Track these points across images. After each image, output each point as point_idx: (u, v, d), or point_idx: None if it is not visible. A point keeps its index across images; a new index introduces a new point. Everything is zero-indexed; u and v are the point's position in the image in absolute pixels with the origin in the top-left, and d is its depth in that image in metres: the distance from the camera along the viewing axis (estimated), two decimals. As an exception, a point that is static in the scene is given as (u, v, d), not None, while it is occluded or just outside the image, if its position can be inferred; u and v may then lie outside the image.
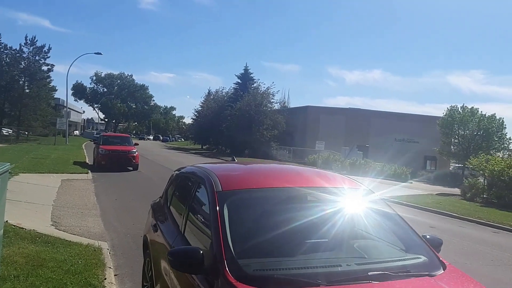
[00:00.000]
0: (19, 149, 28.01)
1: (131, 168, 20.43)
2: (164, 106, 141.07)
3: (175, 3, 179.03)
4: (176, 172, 5.10)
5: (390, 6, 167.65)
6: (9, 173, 13.10)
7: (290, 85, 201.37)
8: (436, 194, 20.30)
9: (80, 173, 17.16)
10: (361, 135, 42.79)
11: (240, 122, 45.36)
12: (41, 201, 10.56)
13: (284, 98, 55.48)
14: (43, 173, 15.82)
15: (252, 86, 51.58)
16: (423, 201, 16.14)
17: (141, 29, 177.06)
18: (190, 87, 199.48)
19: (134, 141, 23.47)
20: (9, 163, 4.59)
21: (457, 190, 23.65)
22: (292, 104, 52.41)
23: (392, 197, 15.97)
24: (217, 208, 3.05)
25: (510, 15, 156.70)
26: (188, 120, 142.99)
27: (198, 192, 3.69)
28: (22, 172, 14.96)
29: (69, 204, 10.74)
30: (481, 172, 20.04)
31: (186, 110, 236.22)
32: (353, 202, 3.44)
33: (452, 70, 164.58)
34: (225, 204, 3.10)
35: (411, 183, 28.84)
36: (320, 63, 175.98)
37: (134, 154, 20.36)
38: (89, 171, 18.21)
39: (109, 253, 6.72)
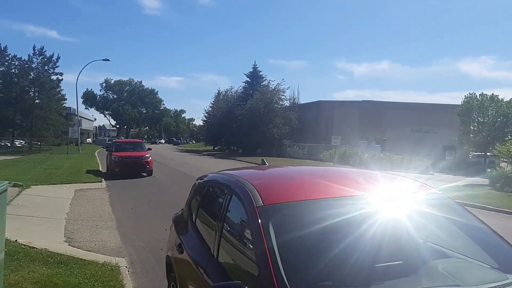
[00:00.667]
0: (32, 160, 27.71)
1: (145, 174, 19.91)
2: (174, 109, 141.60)
3: (178, 7, 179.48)
4: (199, 181, 4.44)
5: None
6: (21, 186, 12.63)
7: (298, 81, 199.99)
8: (463, 185, 19.40)
9: (93, 182, 16.67)
10: (377, 128, 41.81)
11: (250, 121, 44.73)
12: (54, 215, 10.04)
13: (293, 94, 54.66)
14: (55, 184, 15.35)
15: (262, 84, 50.85)
16: (454, 194, 15.28)
17: (146, 34, 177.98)
18: (199, 89, 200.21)
19: (147, 145, 22.94)
20: (7, 182, 3.98)
21: (483, 180, 22.81)
22: (302, 100, 51.60)
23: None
24: (261, 228, 2.41)
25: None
26: (198, 122, 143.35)
27: (231, 207, 3.04)
28: (34, 184, 14.49)
29: (83, 216, 10.20)
30: (510, 159, 19.10)
31: (196, 112, 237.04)
32: (427, 211, 2.76)
33: (462, 57, 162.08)
34: (270, 222, 2.46)
35: (433, 174, 27.98)
36: (327, 58, 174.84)
37: (148, 160, 19.83)
38: (103, 179, 17.72)
39: (128, 271, 6.12)
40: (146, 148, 21.25)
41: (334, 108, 43.85)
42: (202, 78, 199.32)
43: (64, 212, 10.56)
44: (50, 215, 10.03)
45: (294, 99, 49.92)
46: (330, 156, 33.91)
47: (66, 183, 15.71)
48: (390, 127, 42.73)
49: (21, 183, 13.92)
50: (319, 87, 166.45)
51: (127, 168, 19.30)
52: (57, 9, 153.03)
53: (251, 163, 30.96)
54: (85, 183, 16.28)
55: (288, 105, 46.98)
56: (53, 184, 15.29)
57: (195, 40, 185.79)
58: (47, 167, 22.00)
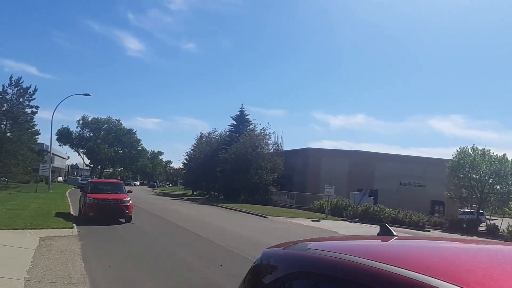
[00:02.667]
0: (-6, 198, 24.86)
1: (123, 220, 17.53)
2: (151, 150, 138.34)
3: (161, 51, 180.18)
4: (270, 261, 2.40)
5: (369, 53, 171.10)
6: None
7: (278, 129, 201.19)
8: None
9: (63, 227, 14.22)
10: (365, 179, 40.39)
11: (236, 166, 42.79)
12: (10, 273, 7.71)
13: (278, 140, 53.34)
14: (18, 229, 12.88)
15: (248, 128, 49.43)
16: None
17: (127, 76, 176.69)
18: (177, 132, 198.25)
19: (127, 188, 20.61)
20: None
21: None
22: (284, 148, 50.47)
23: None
24: None
25: (486, 62, 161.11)
26: (176, 165, 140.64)
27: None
28: (-9, 229, 12.06)
29: (48, 275, 7.91)
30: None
31: (174, 155, 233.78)
32: None
33: (433, 115, 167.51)
34: None
35: (429, 231, 26.38)
36: (305, 108, 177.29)
37: (128, 204, 17.51)
38: (74, 224, 15.26)
39: None
40: (126, 191, 18.93)
41: (322, 156, 42.54)
42: (181, 121, 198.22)
43: (24, 269, 8.22)
44: (5, 273, 7.68)
45: (278, 145, 48.57)
46: (320, 206, 32.04)
47: (31, 228, 13.26)
48: (378, 178, 41.51)
49: (-26, 228, 11.52)
50: (297, 136, 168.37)
51: (103, 212, 16.92)
52: (39, 46, 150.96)
53: (249, 213, 28.81)
54: (53, 228, 13.83)
55: (273, 151, 45.36)
56: (15, 229, 12.82)
57: (175, 84, 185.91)
58: (11, 207, 19.34)
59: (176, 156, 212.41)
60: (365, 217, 27.05)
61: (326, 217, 27.31)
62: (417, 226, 26.38)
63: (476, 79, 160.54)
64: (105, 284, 7.79)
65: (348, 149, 45.98)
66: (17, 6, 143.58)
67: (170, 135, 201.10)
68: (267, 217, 25.92)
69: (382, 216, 26.79)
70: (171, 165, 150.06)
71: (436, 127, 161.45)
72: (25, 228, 13.07)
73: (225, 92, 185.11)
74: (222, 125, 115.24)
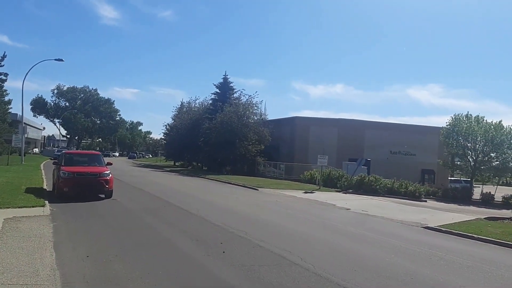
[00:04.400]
0: (-42, 172, 22.59)
1: (103, 196, 15.69)
2: (131, 121, 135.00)
3: (136, 18, 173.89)
4: None
5: (348, 22, 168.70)
6: None
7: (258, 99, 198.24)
8: (485, 218, 16.50)
9: (33, 206, 12.28)
10: (355, 148, 39.26)
11: (221, 136, 40.84)
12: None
13: (261, 110, 51.20)
14: (-23, 209, 10.96)
15: (233, 96, 47.23)
16: (490, 231, 12.13)
17: (102, 43, 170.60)
18: (155, 102, 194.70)
19: (106, 159, 18.53)
20: None
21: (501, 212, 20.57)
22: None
23: (445, 227, 12.97)
24: None
25: (464, 32, 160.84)
26: (156, 136, 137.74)
27: None
28: None
29: (8, 273, 6.14)
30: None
31: (152, 126, 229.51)
32: None
33: (411, 85, 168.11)
34: None
35: (426, 201, 25.38)
36: (284, 78, 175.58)
37: (107, 178, 15.59)
38: (47, 202, 13.36)
39: None
40: (105, 163, 16.96)
41: (311, 125, 41.05)
42: (159, 91, 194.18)
43: (-24, 265, 6.44)
44: None
45: (263, 114, 46.49)
46: (311, 177, 30.70)
47: (-6, 208, 11.35)
48: (368, 147, 40.37)
49: None
50: (276, 106, 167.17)
51: (79, 187, 15.02)
52: (9, 13, 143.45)
53: (238, 185, 27.22)
54: (21, 207, 11.91)
55: (258, 120, 43.36)
56: (-26, 209, 10.90)
57: (152, 52, 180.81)
58: (-25, 182, 17.27)
59: (155, 127, 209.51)
60: (359, 188, 25.81)
61: (319, 188, 25.96)
62: (414, 196, 25.34)
63: (454, 48, 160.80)
64: (81, 284, 6.04)
65: (337, 117, 44.46)
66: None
67: (148, 106, 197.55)
68: (257, 189, 24.45)
69: (378, 187, 25.60)
70: (151, 136, 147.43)
71: (414, 96, 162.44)
72: (-13, 208, 11.14)
73: (203, 61, 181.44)
74: (201, 95, 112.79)
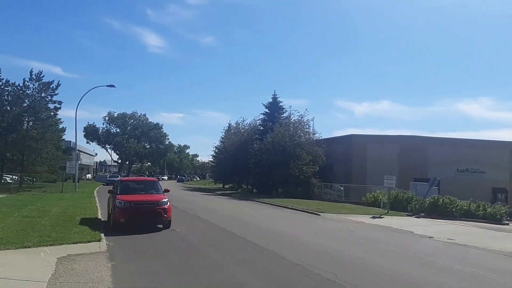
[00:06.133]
0: (14, 201, 22.22)
1: (161, 226, 14.47)
2: (178, 144, 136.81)
3: (180, 45, 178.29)
4: None
5: (394, 38, 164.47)
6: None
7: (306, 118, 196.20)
8: None
9: (88, 241, 11.18)
10: (418, 167, 36.57)
11: (272, 157, 39.32)
12: None
13: (313, 129, 49.27)
14: (29, 247, 9.89)
15: (282, 115, 45.82)
16: None
17: (148, 72, 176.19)
18: (200, 126, 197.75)
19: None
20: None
21: None
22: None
23: None
24: None
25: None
26: (203, 158, 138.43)
27: None
28: (-4, 249, 9.12)
29: None
30: None
31: (199, 149, 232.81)
32: None
33: (461, 98, 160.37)
34: None
35: (508, 224, 22.55)
36: (327, 97, 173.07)
37: (166, 206, 14.36)
38: (102, 235, 12.27)
39: None
40: (163, 190, 15.79)
41: (368, 142, 38.73)
42: (203, 114, 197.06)
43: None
44: None
45: (315, 133, 44.56)
46: (375, 199, 28.45)
47: (47, 244, 10.28)
48: (433, 165, 37.50)
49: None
50: (320, 125, 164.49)
51: (136, 217, 13.87)
52: (61, 46, 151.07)
53: (297, 210, 25.49)
54: (76, 243, 10.81)
55: (314, 139, 41.46)
56: (27, 247, 9.84)
57: (195, 77, 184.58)
58: (29, 213, 16.56)
59: (201, 149, 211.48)
60: (432, 211, 23.35)
61: (387, 212, 23.70)
62: (494, 219, 22.55)
63: (504, 59, 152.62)
64: None
65: (396, 134, 41.91)
66: (39, 8, 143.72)
67: (193, 129, 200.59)
68: (319, 214, 22.57)
69: (453, 210, 23.06)
70: (198, 159, 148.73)
71: (464, 110, 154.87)
72: (40, 245, 10.06)
73: (245, 83, 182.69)
74: (245, 116, 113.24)
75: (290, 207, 26.60)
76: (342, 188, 34.95)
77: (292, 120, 42.64)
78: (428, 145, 38.87)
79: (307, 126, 41.75)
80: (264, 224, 17.33)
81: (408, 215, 23.36)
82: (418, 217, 22.60)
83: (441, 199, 23.61)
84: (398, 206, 25.55)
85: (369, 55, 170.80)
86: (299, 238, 13.70)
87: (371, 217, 21.59)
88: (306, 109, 41.48)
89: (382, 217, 21.82)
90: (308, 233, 15.08)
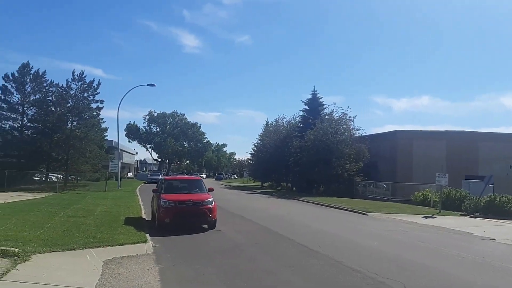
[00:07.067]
0: (59, 200, 22.48)
1: (206, 226, 14.01)
2: (216, 143, 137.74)
3: (216, 45, 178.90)
4: None
5: (435, 32, 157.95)
6: (14, 257, 6.89)
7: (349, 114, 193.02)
8: None
9: (134, 243, 10.82)
10: (467, 164, 34.67)
11: (313, 155, 38.36)
12: None
13: (356, 125, 47.75)
14: (75, 249, 9.59)
15: (323, 112, 44.71)
16: None
17: (185, 72, 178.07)
18: (236, 125, 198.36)
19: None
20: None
21: None
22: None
23: None
24: None
25: None
26: (240, 156, 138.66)
27: None
28: (39, 251, 8.84)
29: None
30: None
31: (235, 147, 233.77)
32: None
33: (505, 92, 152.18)
34: None
35: None
36: (364, 93, 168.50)
37: (211, 206, 13.88)
38: (148, 235, 11.91)
39: None
40: (207, 189, 15.33)
41: (414, 139, 37.12)
42: (239, 113, 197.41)
43: None
44: None
45: (358, 129, 43.12)
46: (424, 198, 27.09)
47: (92, 246, 9.97)
48: (483, 162, 35.46)
49: (16, 250, 8.32)
50: (358, 122, 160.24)
51: (181, 218, 13.48)
52: (102, 48, 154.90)
53: (342, 209, 24.55)
54: (121, 245, 10.47)
55: (357, 135, 40.15)
56: (72, 249, 9.53)
57: (231, 76, 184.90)
58: (74, 213, 16.52)
59: (236, 147, 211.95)
60: (488, 211, 21.83)
61: (439, 212, 22.38)
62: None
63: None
64: None
65: (443, 129, 39.95)
66: (78, 11, 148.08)
67: (230, 128, 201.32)
68: (366, 214, 21.57)
69: (511, 209, 21.47)
70: (235, 157, 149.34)
71: (509, 105, 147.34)
72: (85, 247, 9.75)
73: (281, 81, 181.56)
74: (282, 114, 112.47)
75: (335, 206, 25.68)
76: (386, 186, 33.58)
77: (334, 117, 41.44)
78: (477, 141, 36.81)
79: (350, 122, 40.49)
80: (312, 225, 16.57)
81: (462, 215, 21.96)
82: (474, 217, 21.18)
83: (498, 198, 22.05)
84: (450, 205, 24.13)
85: (408, 49, 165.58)
86: (352, 240, 12.87)
87: (423, 217, 20.41)
88: (348, 106, 39.99)
89: (435, 217, 20.59)
90: (360, 234, 14.22)
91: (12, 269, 7.28)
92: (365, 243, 12.24)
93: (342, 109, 41.76)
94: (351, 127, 40.52)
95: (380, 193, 34.19)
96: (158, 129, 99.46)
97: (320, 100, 46.62)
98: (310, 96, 47.34)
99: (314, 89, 47.55)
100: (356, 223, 17.70)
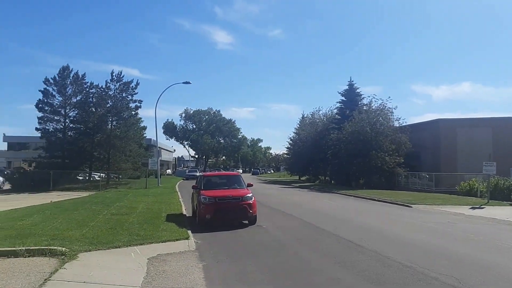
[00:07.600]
0: (102, 198, 23.02)
1: (246, 222, 13.92)
2: (251, 138, 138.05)
3: (248, 40, 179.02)
4: None
5: (471, 17, 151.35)
6: (62, 256, 6.96)
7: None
8: None
9: (177, 239, 10.84)
10: (516, 152, 33.04)
11: (352, 147, 37.62)
12: None
13: (396, 116, 46.38)
14: (119, 247, 9.68)
15: (361, 102, 43.77)
16: None
17: (218, 68, 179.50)
18: (271, 119, 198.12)
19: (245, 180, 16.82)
20: None
21: None
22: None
23: None
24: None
25: None
26: (276, 151, 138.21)
27: None
28: (86, 250, 8.96)
29: None
30: None
31: (270, 141, 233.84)
32: None
33: None
34: None
35: None
36: (402, 82, 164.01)
37: (251, 202, 13.78)
38: (189, 232, 11.91)
39: None
40: (246, 184, 15.22)
41: (458, 127, 35.73)
42: (274, 107, 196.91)
43: None
44: None
45: (399, 119, 41.85)
46: (470, 188, 26.02)
47: (137, 244, 10.04)
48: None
49: (63, 249, 8.45)
50: (397, 112, 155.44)
51: (222, 214, 13.43)
52: (138, 49, 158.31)
53: (385, 202, 23.94)
54: (164, 242, 10.51)
55: (397, 126, 38.99)
56: (116, 247, 9.62)
57: (264, 70, 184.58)
58: (117, 210, 16.81)
59: (272, 142, 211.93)
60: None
61: (487, 202, 21.41)
62: None
63: None
64: None
65: (489, 116, 38.20)
66: (114, 14, 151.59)
67: (265, 122, 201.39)
68: (410, 206, 20.89)
69: None
70: (271, 151, 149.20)
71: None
72: (129, 245, 9.83)
73: (315, 74, 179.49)
74: (318, 107, 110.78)
75: (376, 198, 25.07)
76: (429, 177, 32.49)
77: (373, 107, 40.40)
78: (526, 127, 35.08)
79: (390, 113, 39.31)
80: (354, 219, 16.16)
81: (511, 205, 20.94)
82: (527, 208, 20.13)
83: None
84: (499, 195, 23.08)
85: (446, 35, 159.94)
86: (397, 233, 12.41)
87: (470, 208, 19.57)
88: (389, 96, 38.99)
89: (483, 208, 19.71)
90: (405, 227, 13.72)
91: (60, 268, 7.38)
92: (412, 237, 11.78)
93: (381, 99, 40.24)
94: (391, 117, 39.39)
95: (423, 184, 33.13)
96: (194, 126, 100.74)
97: (357, 90, 45.72)
98: (346, 87, 46.53)
99: (350, 79, 46.82)
100: (400, 216, 17.14)
